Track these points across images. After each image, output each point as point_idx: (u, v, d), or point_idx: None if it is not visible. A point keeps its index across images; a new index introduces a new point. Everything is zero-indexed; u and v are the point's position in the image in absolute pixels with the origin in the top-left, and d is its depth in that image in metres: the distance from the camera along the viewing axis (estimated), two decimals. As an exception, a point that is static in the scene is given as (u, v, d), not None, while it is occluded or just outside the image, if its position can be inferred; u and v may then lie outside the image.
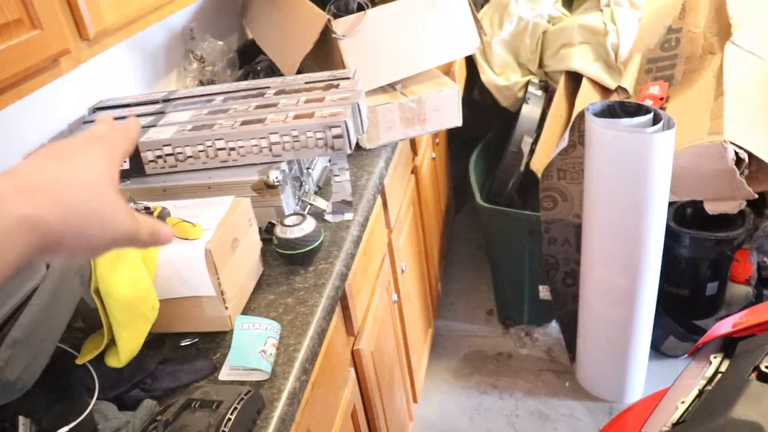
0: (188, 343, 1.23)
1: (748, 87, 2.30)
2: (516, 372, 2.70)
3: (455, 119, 2.00)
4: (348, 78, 1.69)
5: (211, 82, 2.19)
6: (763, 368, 1.26)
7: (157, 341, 1.23)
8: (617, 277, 2.17)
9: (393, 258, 2.01)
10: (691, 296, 2.64)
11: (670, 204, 2.35)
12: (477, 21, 2.03)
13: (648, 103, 2.46)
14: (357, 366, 1.61)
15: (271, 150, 1.46)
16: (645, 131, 1.92)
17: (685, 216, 2.53)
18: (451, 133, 3.05)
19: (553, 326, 2.81)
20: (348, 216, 1.56)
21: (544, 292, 2.69)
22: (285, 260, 1.41)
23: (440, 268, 2.98)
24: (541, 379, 2.65)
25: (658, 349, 2.61)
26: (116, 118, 1.65)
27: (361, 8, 1.94)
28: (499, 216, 2.61)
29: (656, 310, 2.29)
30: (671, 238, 2.41)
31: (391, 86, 1.97)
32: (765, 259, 2.42)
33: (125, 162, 1.49)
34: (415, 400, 2.37)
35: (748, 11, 2.52)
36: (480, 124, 3.01)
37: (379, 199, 1.80)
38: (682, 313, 2.66)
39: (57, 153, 0.57)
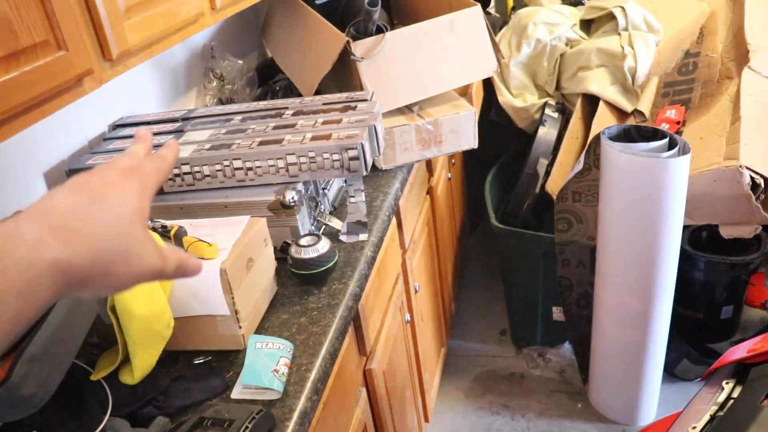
0: (201, 361, 1.25)
1: (764, 112, 2.30)
2: (528, 393, 2.70)
3: (471, 141, 2.01)
4: (365, 100, 1.71)
5: (231, 100, 2.22)
6: (775, 396, 1.26)
7: (171, 358, 1.25)
8: (631, 300, 2.17)
9: (407, 278, 2.02)
10: (705, 320, 2.63)
11: (686, 227, 2.35)
12: (495, 44, 2.04)
13: (664, 126, 2.47)
14: (369, 386, 1.62)
15: (287, 171, 1.48)
16: (660, 156, 1.92)
17: (701, 239, 2.53)
18: (468, 154, 3.07)
19: (566, 347, 2.80)
20: (362, 237, 1.57)
21: (557, 313, 2.69)
22: (299, 280, 1.43)
23: (454, 288, 2.99)
24: (553, 401, 2.65)
25: (671, 372, 2.60)
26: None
27: (380, 30, 1.96)
28: (514, 237, 2.61)
29: (670, 333, 2.28)
30: (686, 261, 2.41)
31: (408, 108, 1.98)
32: (781, 285, 2.41)
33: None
34: (426, 420, 2.37)
35: (765, 37, 2.53)
36: (496, 145, 3.02)
37: (393, 220, 1.82)
38: (697, 337, 2.65)
39: (90, 187, 0.56)
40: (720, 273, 2.50)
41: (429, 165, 2.35)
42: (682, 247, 2.13)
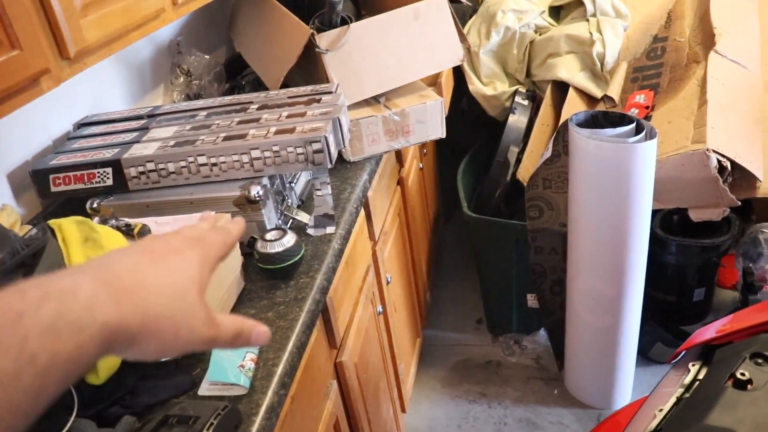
0: (168, 358, 1.24)
1: (730, 95, 2.32)
2: (505, 380, 2.71)
3: (439, 131, 2.02)
4: (330, 92, 1.70)
5: (198, 95, 2.20)
6: (738, 375, 1.28)
7: (138, 357, 1.24)
8: (603, 286, 2.18)
9: (378, 269, 2.02)
10: (678, 302, 2.65)
11: (657, 211, 2.37)
12: (461, 32, 2.04)
13: (634, 111, 2.48)
14: (340, 378, 1.62)
15: (252, 165, 1.47)
16: (627, 141, 1.93)
17: (672, 223, 2.55)
18: (440, 143, 3.06)
19: (542, 334, 2.82)
20: (330, 229, 1.57)
21: (531, 300, 2.70)
22: (266, 275, 1.42)
23: (429, 278, 2.99)
24: (529, 387, 2.66)
25: (646, 356, 2.62)
26: (104, 134, 1.66)
27: (344, 22, 1.96)
28: (486, 225, 2.62)
29: (643, 317, 2.30)
30: (658, 245, 2.43)
31: (375, 99, 1.98)
32: (750, 265, 2.43)
33: (109, 178, 1.50)
34: (403, 410, 2.38)
35: (731, 21, 2.55)
36: (468, 134, 3.02)
37: (362, 212, 1.82)
38: (670, 320, 2.67)
39: (153, 250, 0.57)
40: (691, 256, 2.52)
41: (399, 156, 2.35)
42: (653, 230, 2.15)
